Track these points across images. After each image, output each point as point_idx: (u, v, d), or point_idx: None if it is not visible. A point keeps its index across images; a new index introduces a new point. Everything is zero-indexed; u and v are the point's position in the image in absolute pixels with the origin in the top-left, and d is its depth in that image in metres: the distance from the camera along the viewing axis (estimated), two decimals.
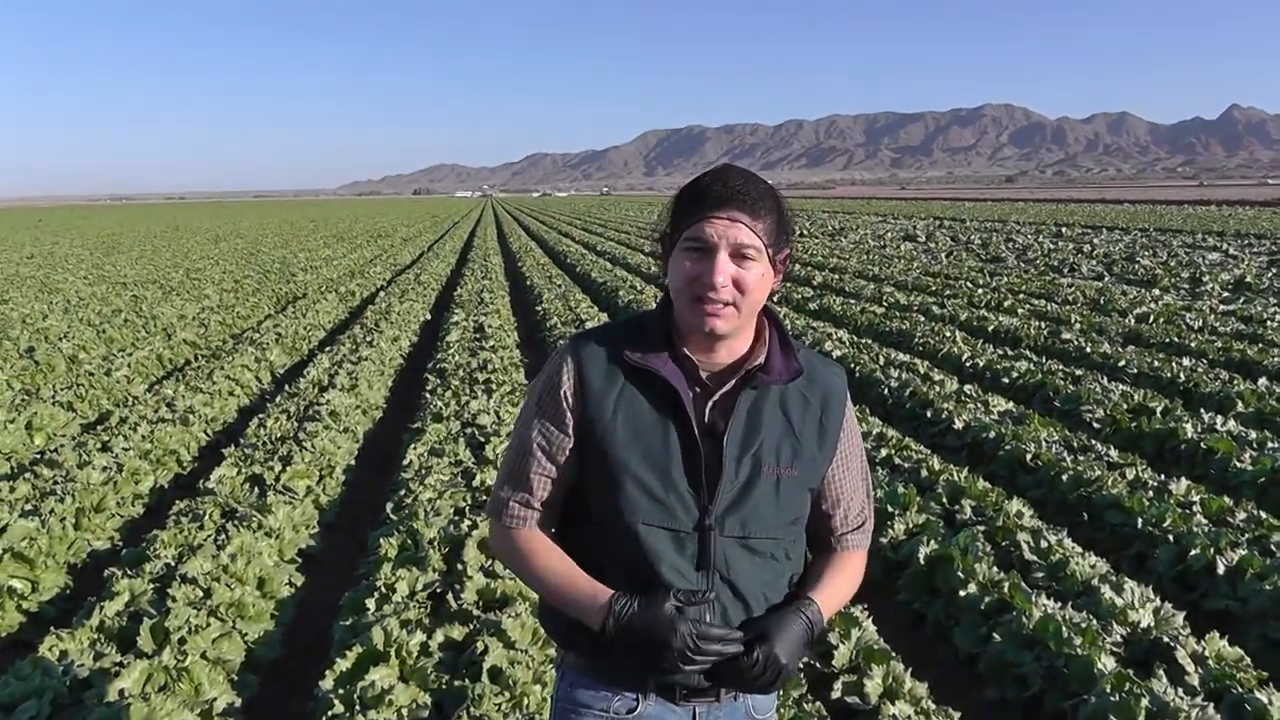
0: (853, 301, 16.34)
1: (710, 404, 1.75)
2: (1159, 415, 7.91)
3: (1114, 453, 6.95)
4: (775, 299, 17.31)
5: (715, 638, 1.65)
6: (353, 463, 7.74)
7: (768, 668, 1.66)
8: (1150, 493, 6.04)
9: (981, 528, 5.49)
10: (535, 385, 1.83)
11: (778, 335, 1.80)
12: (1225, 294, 17.72)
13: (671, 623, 1.64)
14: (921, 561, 5.10)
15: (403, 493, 6.16)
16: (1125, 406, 8.22)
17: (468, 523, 5.31)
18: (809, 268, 23.57)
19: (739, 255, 1.68)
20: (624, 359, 1.74)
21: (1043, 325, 13.03)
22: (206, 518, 5.76)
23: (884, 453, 6.98)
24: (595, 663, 1.80)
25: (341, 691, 3.73)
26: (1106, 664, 3.88)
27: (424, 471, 6.47)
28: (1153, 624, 4.30)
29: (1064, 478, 6.37)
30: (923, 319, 13.98)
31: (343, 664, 3.91)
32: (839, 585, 1.86)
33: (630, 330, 1.80)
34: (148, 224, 71.54)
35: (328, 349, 12.29)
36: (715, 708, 1.80)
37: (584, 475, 1.78)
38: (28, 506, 6.07)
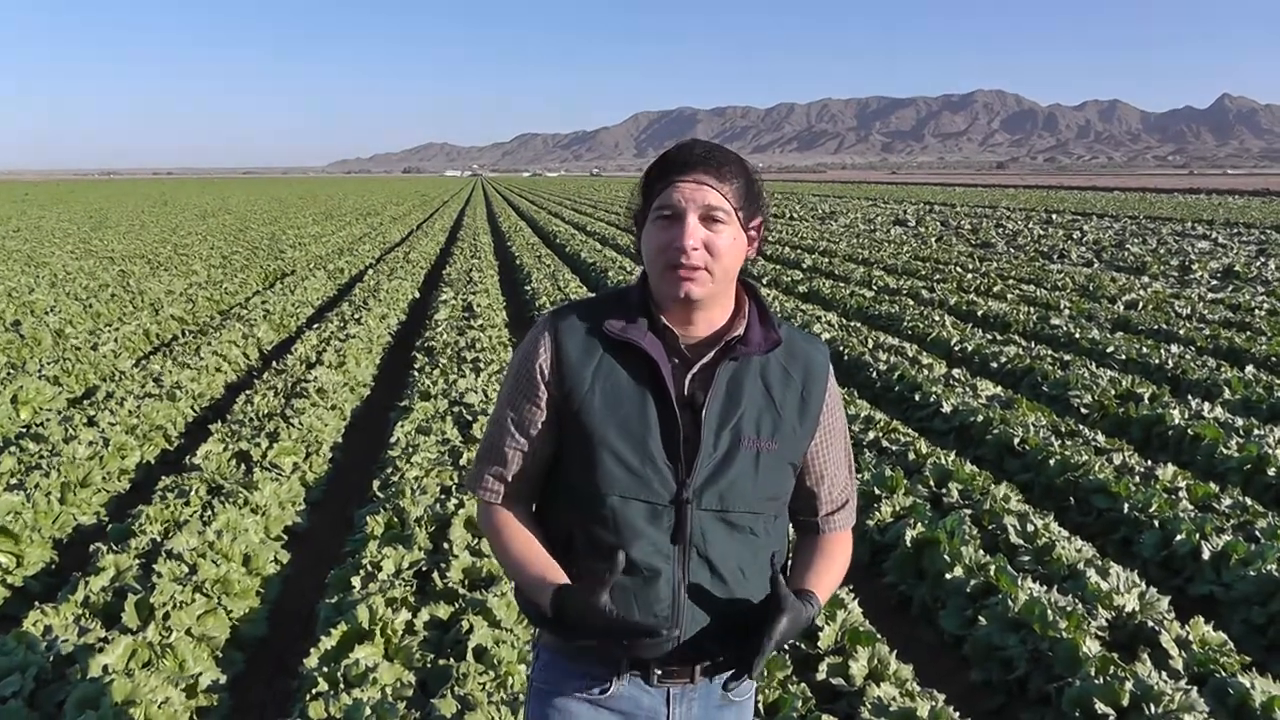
0: (842, 285, 16.32)
1: (690, 376, 1.73)
2: (1147, 401, 7.94)
3: (1101, 438, 6.98)
4: (764, 281, 17.29)
5: (632, 626, 1.62)
6: (340, 440, 7.72)
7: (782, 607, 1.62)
8: (1137, 478, 6.06)
9: (968, 511, 5.51)
10: (513, 359, 1.81)
11: (757, 308, 1.79)
12: (1214, 282, 17.79)
13: (599, 612, 1.61)
14: (908, 544, 5.11)
15: (389, 471, 6.14)
16: (1113, 392, 8.24)
17: (454, 501, 5.30)
18: (799, 250, 23.53)
19: (709, 219, 1.68)
20: (603, 331, 1.73)
21: (1032, 311, 13.05)
22: (193, 494, 5.73)
23: (871, 435, 6.99)
24: (568, 642, 1.77)
25: (326, 670, 3.72)
26: (1091, 647, 3.89)
27: (411, 450, 6.45)
28: (1137, 608, 4.32)
29: (1051, 462, 6.38)
30: (912, 303, 13.99)
31: (327, 642, 3.89)
32: (833, 573, 1.86)
33: (610, 303, 1.78)
34: (135, 199, 70.97)
35: (316, 326, 12.24)
36: (690, 689, 1.78)
37: (562, 448, 1.77)
38: (13, 481, 6.04)
